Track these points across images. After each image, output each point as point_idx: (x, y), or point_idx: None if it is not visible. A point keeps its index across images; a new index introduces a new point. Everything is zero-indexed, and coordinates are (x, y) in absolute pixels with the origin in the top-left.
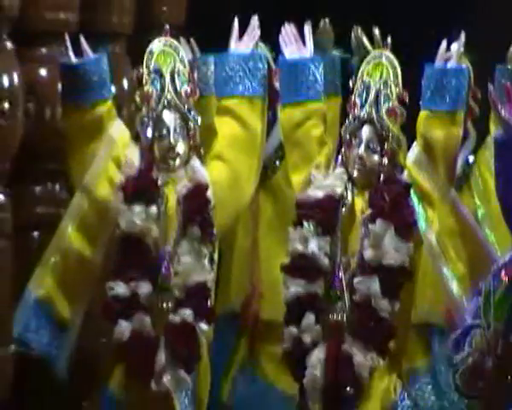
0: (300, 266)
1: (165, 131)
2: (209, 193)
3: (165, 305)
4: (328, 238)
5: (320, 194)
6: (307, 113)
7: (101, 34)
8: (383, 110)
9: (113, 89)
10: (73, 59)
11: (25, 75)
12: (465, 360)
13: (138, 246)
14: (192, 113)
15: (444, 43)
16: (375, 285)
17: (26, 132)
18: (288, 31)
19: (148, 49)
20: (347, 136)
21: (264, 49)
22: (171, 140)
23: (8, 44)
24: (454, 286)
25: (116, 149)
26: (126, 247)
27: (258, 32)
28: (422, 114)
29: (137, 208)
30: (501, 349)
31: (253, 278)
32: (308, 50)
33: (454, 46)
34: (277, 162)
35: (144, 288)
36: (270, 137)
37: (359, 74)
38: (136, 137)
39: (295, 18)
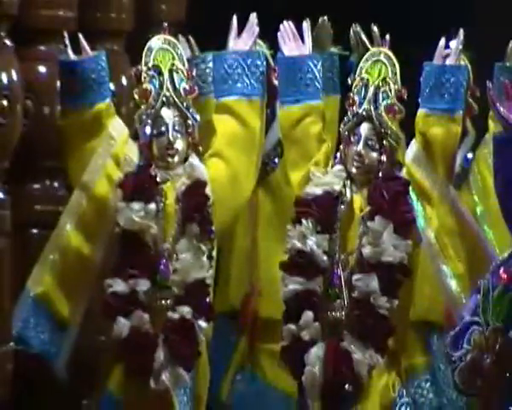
0: (299, 263)
1: (163, 129)
2: (208, 190)
3: (163, 302)
4: (327, 236)
5: (318, 191)
6: (306, 110)
7: (100, 32)
8: (382, 107)
9: (111, 86)
10: (72, 57)
11: (23, 73)
12: (464, 357)
13: (137, 243)
14: (191, 110)
15: (442, 41)
16: (373, 283)
17: (25, 130)
18: (286, 28)
19: (146, 47)
20: (346, 133)
21: (262, 47)
22: (170, 137)
23: (7, 42)
24: (453, 284)
25: (115, 147)
26: (125, 244)
27: (256, 30)
28: (421, 111)
29: (136, 206)
30: (499, 347)
31: (252, 277)
32: (307, 48)
33: (453, 44)
34: (276, 160)
35: (143, 285)
36: (268, 134)
37: (358, 72)
38: (135, 135)
39: (294, 15)
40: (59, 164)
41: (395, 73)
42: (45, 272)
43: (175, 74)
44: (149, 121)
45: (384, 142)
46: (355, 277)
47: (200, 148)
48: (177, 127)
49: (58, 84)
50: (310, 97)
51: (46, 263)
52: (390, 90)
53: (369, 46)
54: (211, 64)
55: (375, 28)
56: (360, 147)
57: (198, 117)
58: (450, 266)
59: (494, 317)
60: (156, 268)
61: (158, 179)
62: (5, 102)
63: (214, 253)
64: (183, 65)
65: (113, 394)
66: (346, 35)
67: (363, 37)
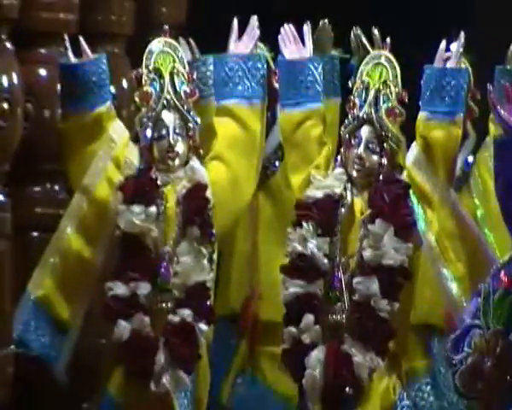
0: (300, 266)
1: (164, 132)
2: (208, 193)
3: (164, 305)
4: (328, 239)
5: (319, 194)
6: (306, 113)
7: (101, 34)
8: (382, 111)
9: (112, 89)
10: (73, 59)
11: (24, 76)
12: (464, 360)
13: (138, 246)
14: (191, 113)
15: (443, 44)
16: (374, 286)
17: (26, 133)
18: (287, 31)
19: (147, 50)
20: (346, 136)
21: (263, 50)
22: (171, 140)
23: (8, 45)
24: (453, 287)
25: (115, 150)
26: (126, 247)
27: (257, 33)
28: (422, 114)
29: (137, 209)
30: (500, 350)
31: (252, 280)
32: (307, 51)
33: (453, 46)
34: (277, 163)
35: (144, 288)
36: (269, 137)
37: (359, 74)
38: (136, 138)
39: (294, 18)
40: (59, 167)
41: (396, 76)
42: (46, 276)
43: (176, 77)
44: (150, 124)
45: (385, 145)
46: (355, 280)
47: (201, 151)
48: (177, 130)
49: (59, 87)
50: (310, 100)
51: (47, 266)
52: (391, 93)
53: (370, 49)
54: (211, 67)
55: (375, 31)
56: (361, 150)
57: (199, 120)
58: (451, 269)
59: (495, 320)
60: (157, 271)
61: (158, 182)
62: (6, 105)
63: (215, 256)
64: (184, 68)
65: (113, 397)
66: (347, 38)
67: (364, 40)
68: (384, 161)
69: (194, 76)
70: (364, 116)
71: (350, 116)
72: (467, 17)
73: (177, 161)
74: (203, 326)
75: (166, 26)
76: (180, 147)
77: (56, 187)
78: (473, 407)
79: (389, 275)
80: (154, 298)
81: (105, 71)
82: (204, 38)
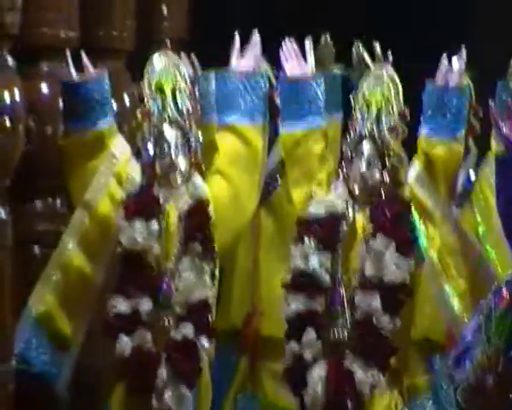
0: (301, 282)
1: (166, 148)
2: (210, 209)
3: (166, 321)
4: (329, 255)
5: (321, 210)
6: (308, 130)
7: (102, 50)
8: (384, 126)
9: (113, 104)
10: (75, 75)
11: (26, 91)
12: (466, 376)
13: (139, 263)
14: (193, 129)
15: (445, 61)
16: (375, 302)
17: (27, 148)
18: (288, 46)
19: (148, 65)
20: (348, 152)
21: (264, 65)
22: (173, 157)
23: (10, 61)
24: (455, 303)
25: (117, 166)
26: (127, 264)
27: (259, 48)
28: (423, 131)
29: (138, 225)
30: (502, 366)
31: (254, 297)
32: (309, 66)
33: (455, 62)
34: (278, 179)
35: (145, 305)
36: (270, 154)
37: (360, 90)
38: (138, 154)
39: (296, 33)
40: (61, 182)
41: (397, 91)
42: (47, 291)
43: (178, 94)
44: (152, 140)
45: (386, 161)
46: (357, 296)
47: (203, 167)
48: (179, 147)
49: (60, 102)
50: (312, 117)
51: (48, 282)
52: (392, 109)
53: (372, 64)
54: (213, 82)
55: (377, 46)
56: (363, 168)
57: (201, 137)
58: (453, 285)
59: (496, 336)
60: (158, 288)
61: (160, 199)
62: (7, 121)
63: (217, 272)
64: (186, 84)
65: None
66: (349, 53)
67: (366, 54)
68: (386, 177)
69: (196, 92)
70: (366, 132)
71: (351, 132)
72: (467, 31)
73: (178, 178)
74: (205, 342)
75: (168, 41)
76: (182, 163)
77: (58, 202)
78: None
79: (391, 291)
80: (155, 314)
81: (107, 89)
82: (205, 52)
